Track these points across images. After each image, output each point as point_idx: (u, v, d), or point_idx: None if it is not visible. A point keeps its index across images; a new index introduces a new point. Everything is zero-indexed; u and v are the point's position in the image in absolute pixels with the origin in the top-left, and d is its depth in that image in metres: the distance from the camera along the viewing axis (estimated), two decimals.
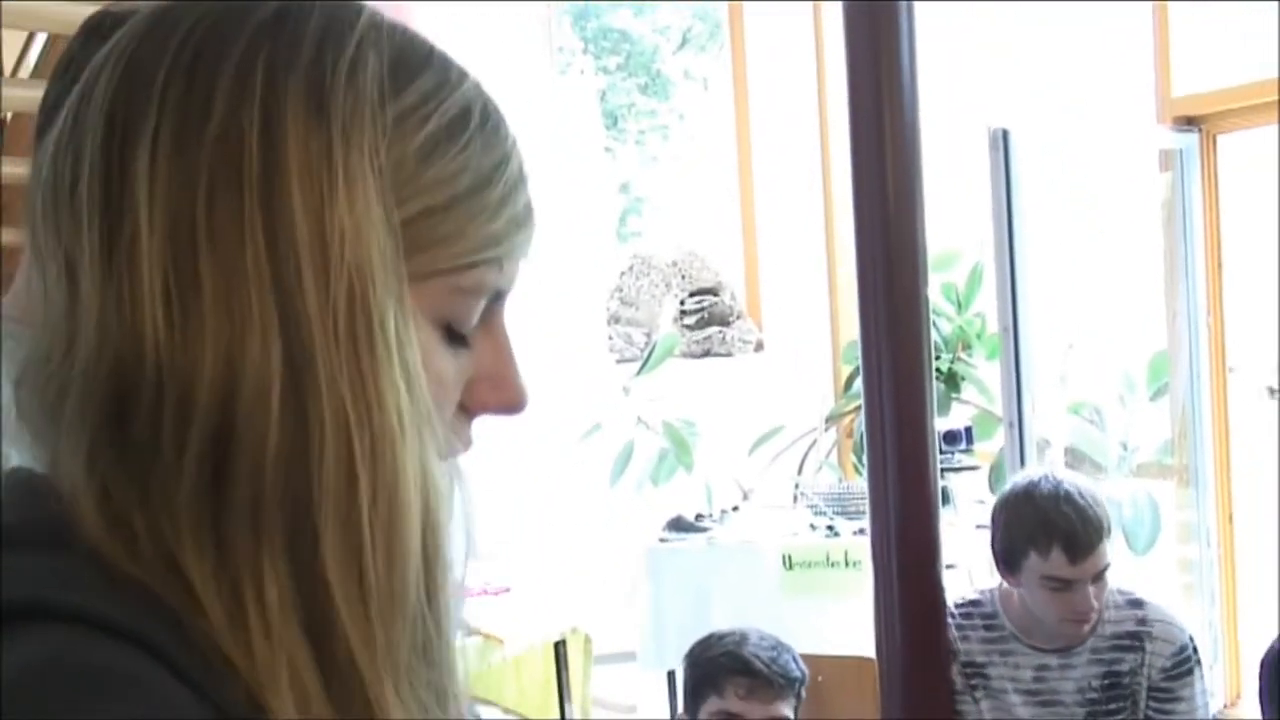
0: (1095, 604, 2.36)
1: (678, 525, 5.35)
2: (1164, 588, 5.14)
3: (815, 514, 5.36)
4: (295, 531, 0.58)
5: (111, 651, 0.54)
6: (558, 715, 3.96)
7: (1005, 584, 2.58)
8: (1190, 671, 2.46)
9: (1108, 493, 5.24)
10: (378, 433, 0.59)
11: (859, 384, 5.97)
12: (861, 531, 5.14)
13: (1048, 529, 2.34)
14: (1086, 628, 2.41)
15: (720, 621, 5.03)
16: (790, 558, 4.81)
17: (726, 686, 2.11)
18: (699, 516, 5.45)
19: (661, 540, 5.24)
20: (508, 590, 4.23)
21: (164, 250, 0.57)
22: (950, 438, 4.44)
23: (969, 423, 4.68)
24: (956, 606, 2.58)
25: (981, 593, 2.62)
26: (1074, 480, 2.45)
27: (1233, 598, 4.90)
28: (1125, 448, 5.28)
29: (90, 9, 1.02)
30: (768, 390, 5.95)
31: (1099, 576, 2.36)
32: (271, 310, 0.57)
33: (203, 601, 0.57)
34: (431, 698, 0.61)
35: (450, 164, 0.62)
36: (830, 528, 5.25)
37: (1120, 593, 2.53)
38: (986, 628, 2.54)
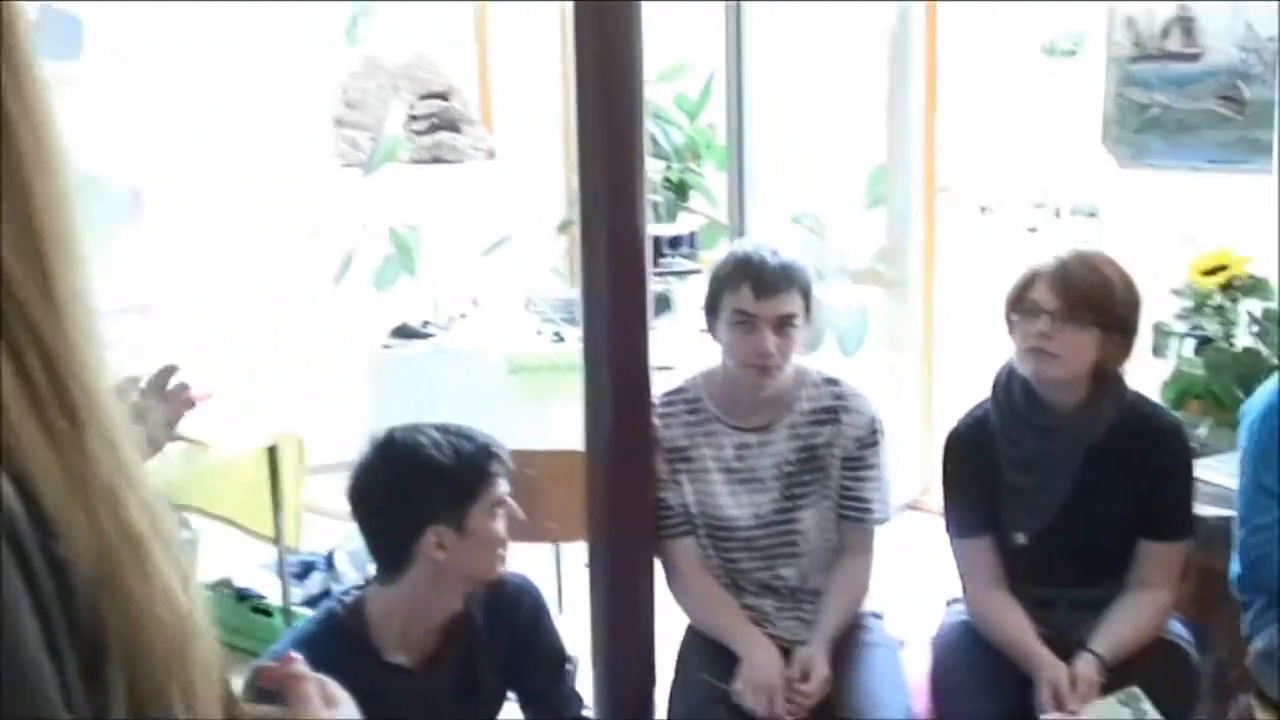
0: (774, 351, 2.44)
1: (403, 332, 5.28)
2: (870, 390, 5.42)
3: (543, 321, 5.38)
4: None
5: None
6: (270, 521, 3.89)
7: (706, 370, 2.64)
8: (878, 441, 2.60)
9: (825, 299, 5.47)
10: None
11: None
12: None
13: (740, 268, 2.47)
14: (769, 380, 2.49)
15: None
16: (515, 363, 4.81)
17: (497, 477, 2.07)
18: (425, 323, 5.38)
19: (385, 347, 5.16)
20: (208, 397, 4.09)
21: None
22: (674, 242, 4.49)
23: (693, 228, 4.73)
24: (662, 396, 2.63)
25: (686, 380, 2.67)
26: (783, 247, 2.52)
27: (929, 397, 5.21)
28: (841, 255, 5.47)
29: None
30: (499, 198, 5.86)
31: (782, 324, 2.44)
32: None
33: None
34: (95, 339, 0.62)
35: None
36: (557, 334, 5.28)
37: (818, 373, 2.64)
38: (690, 412, 2.60)
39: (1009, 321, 2.39)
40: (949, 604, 2.62)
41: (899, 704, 2.36)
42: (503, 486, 2.07)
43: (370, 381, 5.07)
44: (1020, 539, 2.43)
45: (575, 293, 5.40)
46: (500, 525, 2.07)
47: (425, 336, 5.30)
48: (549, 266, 6.00)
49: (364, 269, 5.27)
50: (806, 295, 2.49)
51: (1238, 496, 2.51)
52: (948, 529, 2.52)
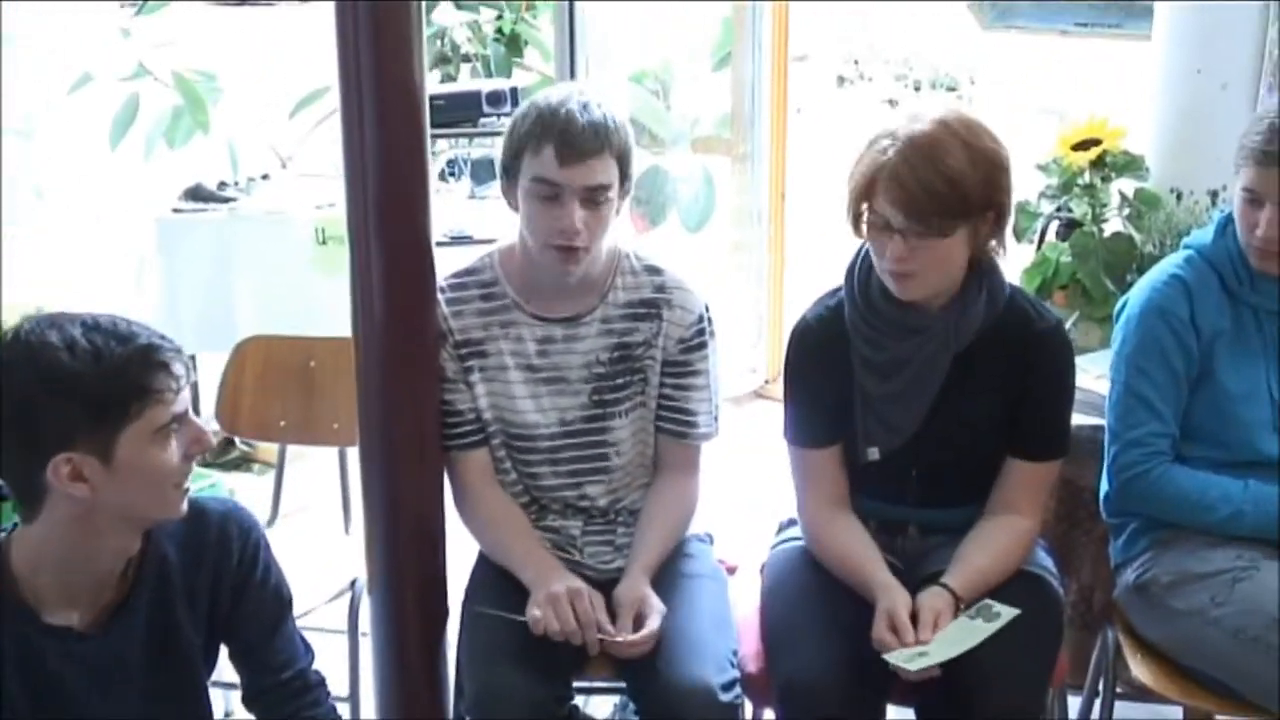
0: (580, 228, 2.03)
1: (196, 194, 4.72)
2: (716, 268, 5.07)
3: None
4: None
5: None
6: None
7: (504, 245, 2.21)
8: (706, 344, 2.20)
9: (666, 168, 5.06)
10: None
11: None
12: None
13: (543, 124, 2.01)
14: (573, 266, 2.08)
15: (244, 301, 4.54)
16: (324, 231, 4.31)
17: (163, 394, 1.58)
18: (222, 185, 4.83)
19: (175, 210, 4.60)
20: None
21: None
22: (494, 98, 4.00)
23: (517, 85, 4.24)
24: (449, 279, 2.20)
25: (479, 259, 2.23)
26: (601, 100, 2.08)
27: (780, 276, 4.87)
28: (686, 120, 5.05)
29: None
30: (315, 46, 5.27)
31: (592, 198, 2.03)
32: None
33: None
34: None
35: None
36: None
37: (637, 258, 2.21)
38: (484, 298, 2.17)
39: (855, 227, 2.00)
40: (782, 527, 2.27)
41: (721, 649, 2.01)
42: (176, 405, 1.59)
43: (159, 251, 4.52)
44: (872, 454, 2.07)
45: None
46: (169, 454, 1.60)
47: (223, 200, 4.75)
48: None
49: (148, 122, 4.65)
50: (623, 160, 2.06)
51: (1108, 407, 2.20)
52: (785, 434, 2.15)
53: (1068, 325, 2.75)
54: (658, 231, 4.99)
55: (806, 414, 2.12)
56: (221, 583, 1.75)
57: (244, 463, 4.30)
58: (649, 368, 2.18)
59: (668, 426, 2.21)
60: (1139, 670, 2.13)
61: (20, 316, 1.62)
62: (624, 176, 2.08)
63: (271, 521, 2.87)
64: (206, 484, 3.87)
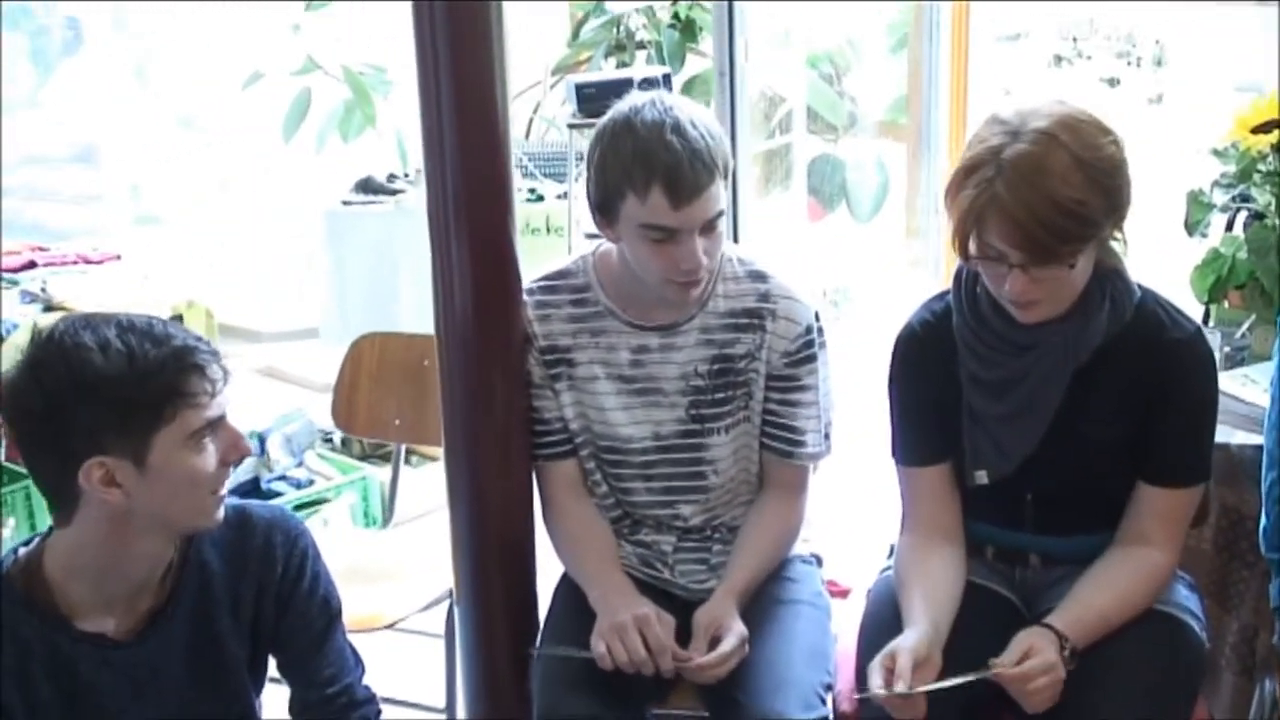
0: (704, 259, 1.88)
1: (366, 187, 4.79)
2: (889, 258, 4.84)
3: (523, 176, 4.84)
4: None
5: None
6: None
7: (601, 248, 2.09)
8: (814, 356, 2.04)
9: (839, 155, 4.86)
10: None
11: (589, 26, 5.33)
12: (565, 195, 4.65)
13: (644, 164, 1.82)
14: (695, 291, 1.95)
15: (407, 293, 4.57)
16: None
17: (198, 397, 1.53)
18: (391, 177, 4.88)
19: (345, 203, 4.67)
20: (117, 258, 3.66)
21: None
22: (648, 85, 3.87)
23: (667, 71, 4.11)
24: (539, 281, 2.09)
25: (575, 261, 2.12)
26: (688, 108, 1.91)
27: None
28: (857, 103, 4.83)
29: None
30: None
31: (710, 227, 1.88)
32: None
33: None
34: None
35: None
36: (533, 191, 4.74)
37: (740, 262, 2.06)
38: (575, 303, 2.06)
39: (964, 256, 1.76)
40: (891, 552, 2.08)
41: (810, 683, 1.85)
42: (210, 410, 1.53)
43: (327, 243, 4.60)
44: (980, 478, 1.87)
45: (566, 144, 4.82)
46: (204, 459, 1.54)
47: (391, 192, 4.80)
48: (544, 116, 5.43)
49: (320, 116, 4.73)
50: (727, 171, 1.90)
51: (1267, 428, 1.94)
52: (892, 452, 1.97)
53: (1241, 330, 2.47)
54: (830, 219, 4.81)
55: (909, 428, 1.93)
56: (266, 593, 1.69)
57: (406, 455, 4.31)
58: (752, 381, 2.02)
59: (773, 445, 2.04)
60: None
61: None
62: (725, 183, 1.91)
63: (386, 523, 2.83)
64: (357, 476, 3.92)
